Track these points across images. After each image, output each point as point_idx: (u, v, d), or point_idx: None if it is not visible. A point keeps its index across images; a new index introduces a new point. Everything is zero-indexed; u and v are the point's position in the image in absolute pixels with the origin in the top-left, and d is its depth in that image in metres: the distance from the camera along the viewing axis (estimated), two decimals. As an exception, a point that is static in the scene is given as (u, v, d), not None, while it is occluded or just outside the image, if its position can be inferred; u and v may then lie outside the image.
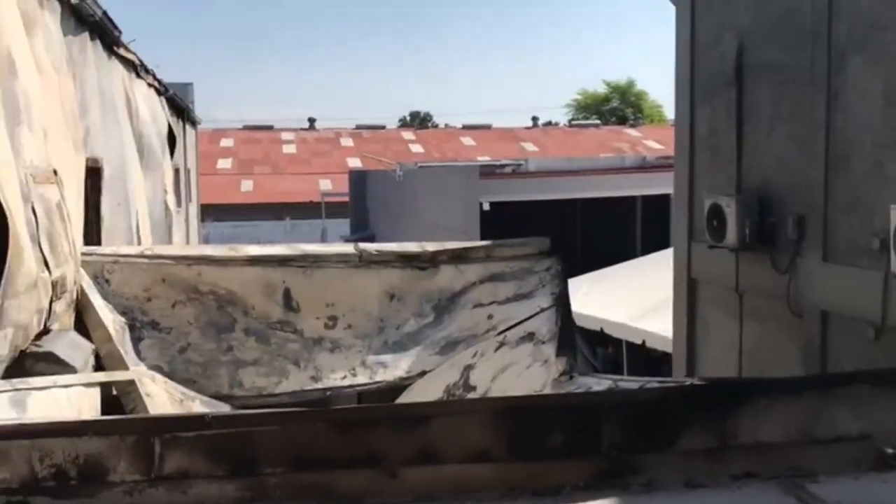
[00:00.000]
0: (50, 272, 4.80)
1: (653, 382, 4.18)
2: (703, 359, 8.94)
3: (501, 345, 6.21)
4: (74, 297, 5.66)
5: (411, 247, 6.70)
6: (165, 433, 2.10)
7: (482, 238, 17.20)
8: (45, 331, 4.86)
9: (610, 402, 2.29)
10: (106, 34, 8.04)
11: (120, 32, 8.41)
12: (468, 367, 6.16)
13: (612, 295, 14.57)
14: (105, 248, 6.63)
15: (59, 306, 5.02)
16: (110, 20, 7.80)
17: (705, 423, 2.26)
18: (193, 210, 19.04)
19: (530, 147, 42.03)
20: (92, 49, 7.53)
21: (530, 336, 6.09)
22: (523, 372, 5.83)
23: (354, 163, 35.93)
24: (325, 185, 32.92)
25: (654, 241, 17.13)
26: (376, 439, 2.19)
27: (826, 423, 2.27)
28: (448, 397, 6.00)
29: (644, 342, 12.79)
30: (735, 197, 7.68)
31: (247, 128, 43.98)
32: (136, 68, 10.12)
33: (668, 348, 10.42)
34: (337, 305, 6.45)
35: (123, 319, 6.10)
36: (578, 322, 14.52)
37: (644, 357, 13.47)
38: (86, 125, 7.04)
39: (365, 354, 6.42)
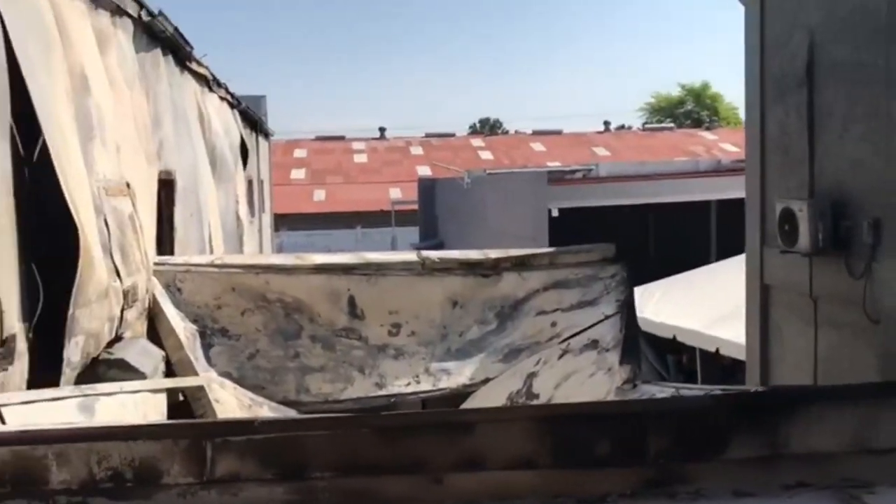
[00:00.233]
0: (121, 281, 4.97)
1: (716, 391, 4.10)
2: (777, 367, 8.71)
3: (565, 352, 6.17)
4: (146, 305, 5.85)
5: (474, 254, 6.72)
6: (216, 437, 2.16)
7: (551, 245, 17.11)
8: (118, 338, 5.03)
9: (656, 411, 2.26)
10: (178, 50, 8.29)
11: (192, 48, 8.65)
12: (531, 375, 6.14)
13: (686, 302, 14.32)
14: (177, 258, 6.82)
15: (130, 314, 5.19)
16: (182, 36, 8.03)
17: (755, 431, 2.21)
18: (267, 220, 19.42)
19: (602, 152, 41.64)
20: (164, 64, 7.77)
21: (594, 344, 6.04)
22: (586, 380, 5.78)
23: (424, 171, 36.16)
24: (395, 193, 33.23)
25: (730, 247, 16.76)
26: (421, 446, 2.21)
27: (883, 433, 2.20)
28: (511, 405, 6.00)
29: (718, 350, 12.52)
30: (807, 200, 7.46)
31: (319, 138, 44.71)
32: (209, 82, 10.39)
33: (743, 356, 10.18)
34: (400, 313, 6.51)
35: (194, 327, 6.27)
36: (650, 329, 14.36)
37: (719, 366, 13.19)
38: (159, 139, 7.26)
39: (428, 361, 6.46)
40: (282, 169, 35.24)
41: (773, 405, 2.26)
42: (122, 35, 6.20)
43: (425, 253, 6.78)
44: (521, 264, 6.62)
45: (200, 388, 5.54)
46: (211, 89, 10.69)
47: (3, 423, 2.90)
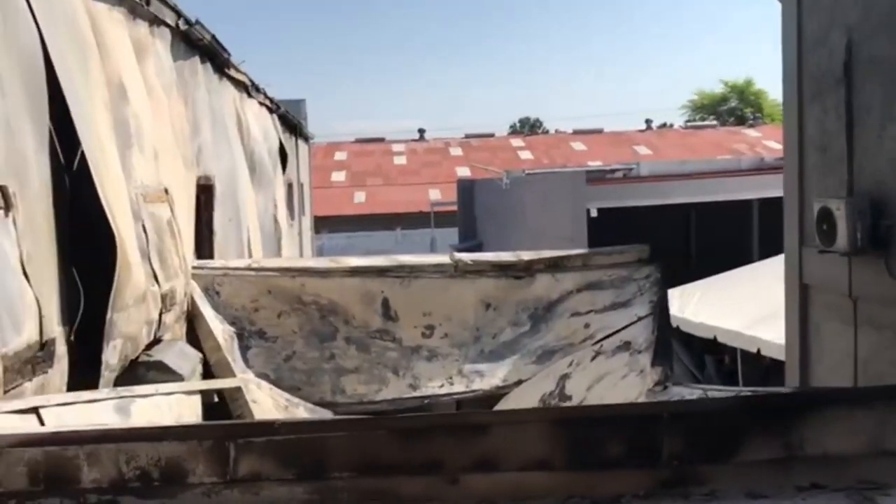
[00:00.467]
0: (160, 285, 5.10)
1: (745, 393, 4.09)
2: (816, 368, 8.61)
3: (598, 354, 6.18)
4: (185, 308, 5.98)
5: (506, 256, 6.76)
6: (239, 438, 2.24)
7: (590, 246, 17.04)
8: (157, 340, 5.16)
9: (671, 413, 2.28)
10: (216, 57, 8.44)
11: (229, 55, 8.80)
12: (564, 377, 6.16)
13: (726, 302, 14.17)
14: (215, 262, 6.96)
15: (168, 317, 5.32)
16: (219, 44, 8.18)
17: (769, 433, 2.23)
18: (307, 223, 19.62)
19: (643, 150, 41.29)
20: (202, 71, 7.92)
21: (627, 345, 6.04)
22: (619, 382, 5.79)
23: (463, 172, 36.18)
24: (435, 194, 33.31)
25: (773, 246, 16.54)
26: (438, 447, 2.26)
27: (899, 435, 2.20)
28: (544, 407, 6.02)
29: (759, 350, 12.37)
30: (845, 200, 7.37)
31: (359, 141, 44.99)
32: (247, 88, 10.55)
33: (784, 357, 10.06)
34: (434, 315, 6.58)
35: (232, 329, 6.40)
36: (690, 330, 14.24)
37: (761, 366, 13.04)
38: (197, 145, 7.41)
39: (462, 363, 6.51)
40: (322, 171, 35.57)
41: (788, 407, 2.26)
42: (159, 44, 6.35)
43: (458, 255, 6.83)
44: (554, 266, 6.65)
45: (237, 390, 5.66)
46: (250, 95, 10.85)
47: (42, 423, 3.02)
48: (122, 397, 3.64)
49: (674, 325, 14.24)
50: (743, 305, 13.59)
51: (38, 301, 3.54)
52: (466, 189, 27.84)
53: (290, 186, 15.27)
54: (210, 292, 6.42)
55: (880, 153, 7.29)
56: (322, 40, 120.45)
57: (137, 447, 2.24)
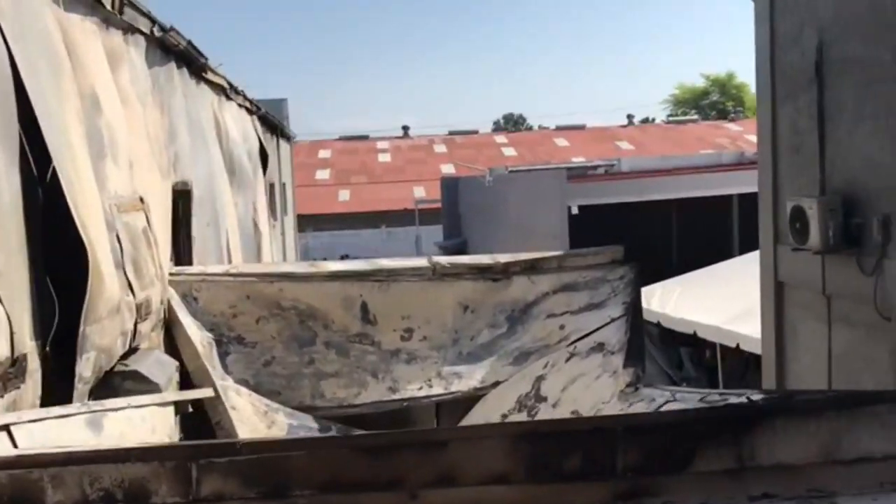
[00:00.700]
0: (135, 295, 5.11)
1: (713, 395, 4.15)
2: (793, 365, 8.71)
3: (572, 355, 6.24)
4: (162, 316, 5.99)
5: (484, 259, 6.81)
6: (201, 459, 2.27)
7: (571, 243, 17.12)
8: (133, 350, 5.17)
9: (626, 426, 2.33)
10: (192, 62, 8.43)
11: (206, 59, 8.79)
12: (539, 378, 6.22)
13: (706, 297, 14.28)
14: (193, 268, 6.97)
15: (144, 327, 5.33)
16: (195, 48, 8.17)
17: (723, 445, 2.28)
18: (290, 222, 19.61)
19: (626, 146, 41.45)
20: (179, 77, 7.91)
21: (600, 346, 6.11)
22: (592, 383, 5.85)
23: (448, 169, 36.24)
24: (419, 192, 33.35)
25: (753, 241, 16.65)
26: (398, 463, 2.30)
27: (848, 443, 2.26)
28: (520, 408, 6.08)
29: (738, 345, 12.50)
30: (817, 198, 7.47)
31: (343, 138, 44.94)
32: (226, 91, 10.54)
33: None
34: (412, 318, 6.61)
35: (211, 335, 6.41)
36: (670, 325, 14.35)
37: (741, 361, 13.16)
38: (174, 151, 7.41)
39: (440, 365, 6.55)
40: (307, 170, 35.53)
41: (741, 418, 2.32)
42: (134, 52, 6.34)
43: (436, 258, 6.87)
44: (530, 268, 6.70)
45: (214, 398, 5.68)
46: (228, 97, 10.84)
47: (13, 441, 3.03)
48: (93, 412, 3.66)
49: (654, 320, 14.39)
50: (723, 301, 13.71)
51: (8, 318, 3.55)
52: (451, 187, 27.89)
53: (271, 187, 15.26)
54: (188, 299, 6.42)
55: (852, 152, 7.39)
56: (306, 39, 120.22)
57: (101, 469, 2.26)
